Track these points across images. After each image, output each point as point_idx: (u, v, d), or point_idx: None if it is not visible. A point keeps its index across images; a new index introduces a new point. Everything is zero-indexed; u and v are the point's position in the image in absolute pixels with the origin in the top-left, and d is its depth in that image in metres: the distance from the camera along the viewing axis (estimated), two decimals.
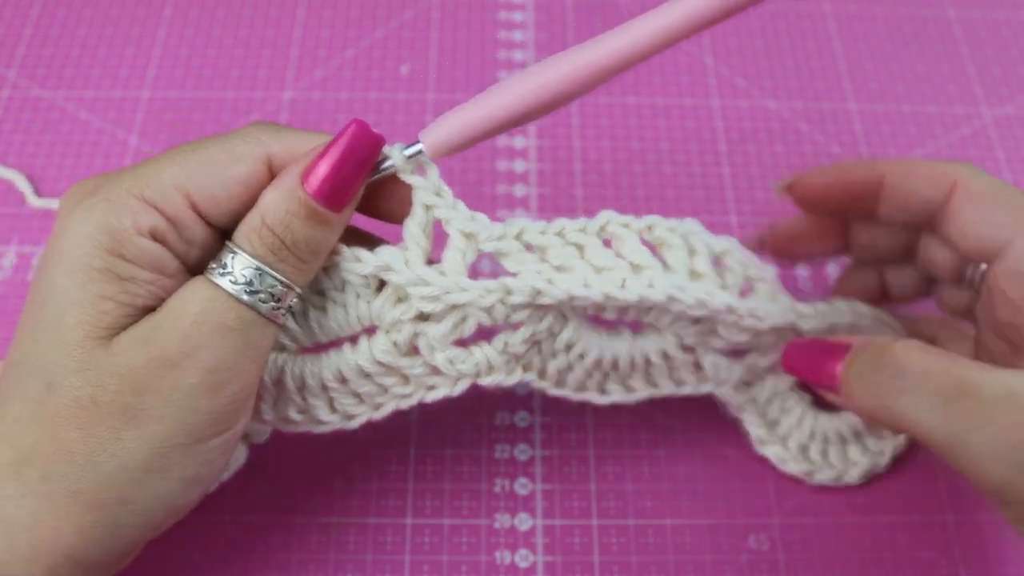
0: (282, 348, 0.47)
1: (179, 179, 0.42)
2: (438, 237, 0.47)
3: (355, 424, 0.49)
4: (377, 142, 0.44)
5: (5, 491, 0.39)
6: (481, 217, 0.46)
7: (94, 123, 0.71)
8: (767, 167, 0.71)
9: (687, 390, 0.54)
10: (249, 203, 0.43)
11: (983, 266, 0.48)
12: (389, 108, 0.72)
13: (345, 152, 0.42)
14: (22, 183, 0.67)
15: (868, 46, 0.78)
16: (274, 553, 0.54)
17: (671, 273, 0.48)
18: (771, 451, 0.56)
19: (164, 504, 0.42)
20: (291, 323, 0.46)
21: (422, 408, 0.56)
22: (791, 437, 0.56)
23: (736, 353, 0.54)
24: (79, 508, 0.40)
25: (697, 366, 0.53)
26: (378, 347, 0.46)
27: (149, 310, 0.41)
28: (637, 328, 0.52)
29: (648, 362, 0.52)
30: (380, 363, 0.47)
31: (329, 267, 0.46)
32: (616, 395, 0.53)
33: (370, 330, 0.47)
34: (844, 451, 0.57)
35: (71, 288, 0.40)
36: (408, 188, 0.45)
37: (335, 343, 0.48)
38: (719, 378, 0.54)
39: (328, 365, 0.47)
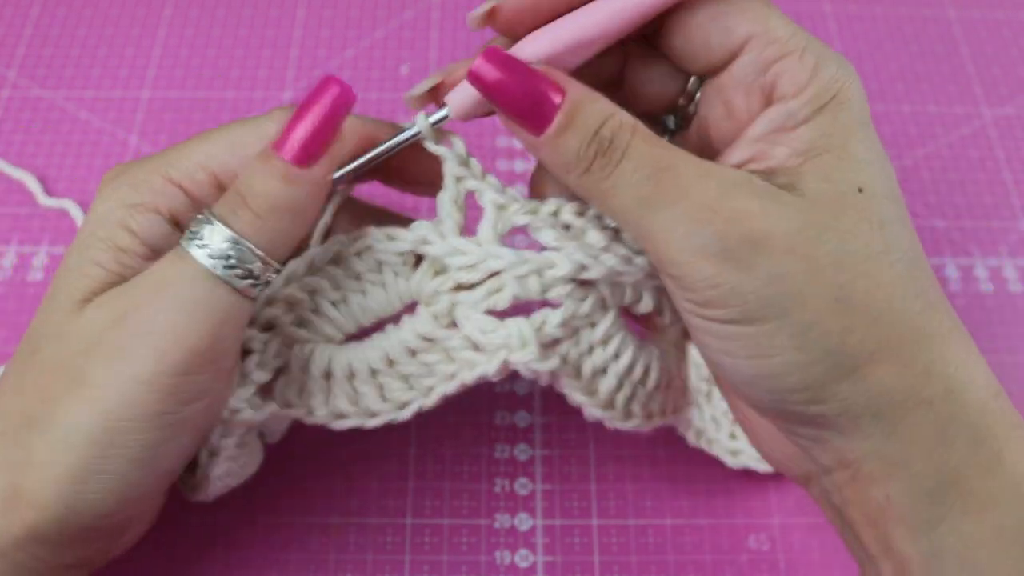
0: (328, 339, 0.47)
1: (205, 158, 0.43)
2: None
3: (407, 414, 0.47)
4: (341, 94, 0.42)
5: None
6: (513, 191, 0.46)
7: (94, 123, 0.71)
8: None
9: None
10: None
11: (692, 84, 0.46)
12: (389, 108, 0.72)
13: (305, 105, 0.42)
14: (33, 184, 0.67)
15: (868, 46, 0.78)
16: (274, 553, 0.54)
17: None
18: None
19: (109, 488, 0.41)
20: (333, 312, 0.46)
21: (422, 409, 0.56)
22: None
23: None
24: (37, 478, 0.40)
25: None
26: (419, 321, 0.46)
27: None
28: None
29: (670, 380, 0.51)
30: (423, 337, 0.46)
31: (362, 251, 0.46)
32: (637, 419, 0.50)
33: (411, 309, 0.47)
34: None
35: (72, 253, 0.41)
36: (437, 161, 0.45)
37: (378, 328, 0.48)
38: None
39: (374, 348, 0.47)
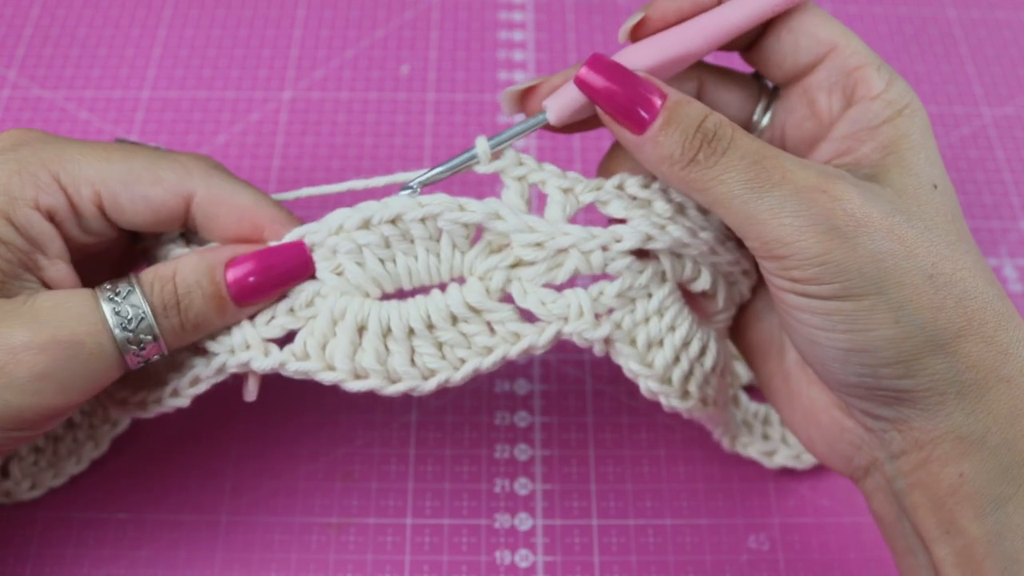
0: (364, 294, 0.47)
1: (96, 176, 0.44)
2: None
3: (431, 385, 0.47)
4: (308, 268, 0.46)
5: None
6: (575, 174, 0.47)
7: (94, 123, 0.71)
8: None
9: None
10: (151, 223, 0.46)
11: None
12: (389, 108, 0.72)
13: (275, 262, 0.45)
14: None
15: (869, 45, 0.77)
16: (274, 553, 0.54)
17: None
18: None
19: None
20: (378, 268, 0.46)
21: (422, 408, 0.56)
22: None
23: None
24: None
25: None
26: (470, 291, 0.46)
27: (9, 276, 0.42)
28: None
29: (726, 365, 0.51)
30: (469, 306, 0.47)
31: (426, 217, 0.46)
32: (693, 401, 0.50)
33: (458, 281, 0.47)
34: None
35: None
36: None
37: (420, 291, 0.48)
38: None
39: (417, 308, 0.47)
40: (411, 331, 0.46)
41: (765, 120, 0.49)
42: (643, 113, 0.42)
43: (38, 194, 0.43)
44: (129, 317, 0.42)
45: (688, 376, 0.49)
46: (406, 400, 0.58)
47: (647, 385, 0.48)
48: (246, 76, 0.74)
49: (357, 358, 0.46)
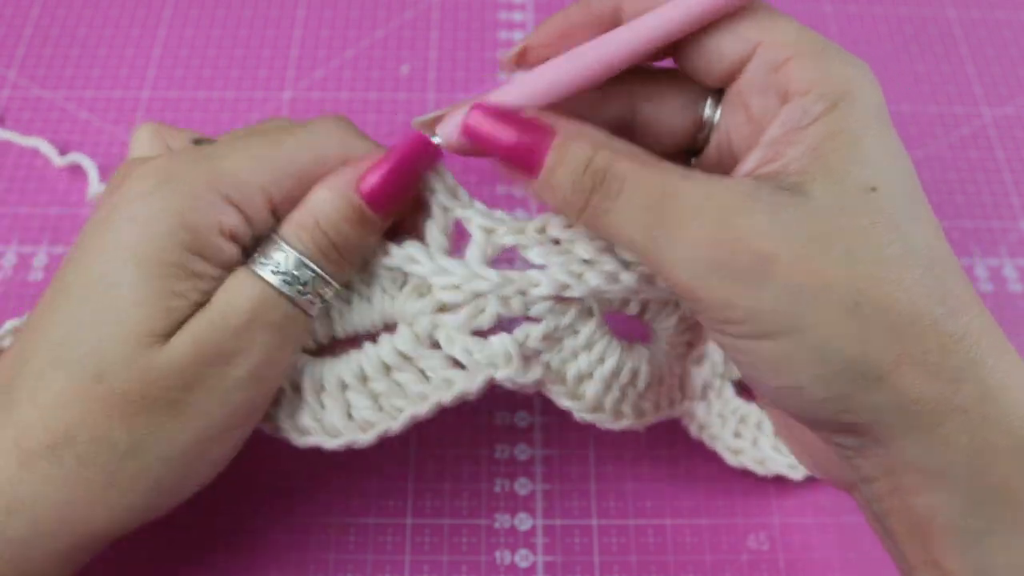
0: (302, 349, 0.47)
1: (263, 180, 0.42)
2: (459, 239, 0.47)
3: (369, 438, 0.47)
4: (432, 154, 0.44)
5: (40, 470, 0.39)
6: (501, 213, 0.46)
7: (94, 123, 0.71)
8: None
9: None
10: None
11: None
12: (389, 108, 0.72)
13: (402, 160, 0.43)
14: (46, 147, 0.68)
15: (868, 46, 0.78)
16: (274, 553, 0.54)
17: None
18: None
19: (192, 485, 0.44)
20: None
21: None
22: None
23: None
24: (115, 494, 0.41)
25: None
26: (399, 339, 0.46)
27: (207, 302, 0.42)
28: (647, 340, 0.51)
29: (661, 378, 0.51)
30: (401, 354, 0.46)
31: None
32: (628, 419, 0.50)
33: (388, 330, 0.47)
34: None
35: (140, 280, 0.40)
36: (425, 194, 0.46)
37: (352, 345, 0.48)
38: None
39: (347, 363, 0.47)
40: (343, 386, 0.47)
41: (717, 115, 0.45)
42: (533, 156, 0.40)
43: (220, 219, 0.41)
44: (296, 277, 0.42)
45: (621, 400, 0.49)
46: None
47: (580, 415, 0.48)
48: (246, 76, 0.73)
49: (296, 417, 0.47)
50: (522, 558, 0.54)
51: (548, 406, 0.57)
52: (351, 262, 0.44)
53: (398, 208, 0.44)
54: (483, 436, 0.58)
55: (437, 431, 0.58)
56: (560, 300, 0.46)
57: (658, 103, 0.46)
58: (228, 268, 0.42)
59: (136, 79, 0.73)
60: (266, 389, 0.44)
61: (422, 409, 0.47)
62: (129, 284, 0.40)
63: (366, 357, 0.47)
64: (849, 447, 0.39)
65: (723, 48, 0.41)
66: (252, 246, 0.43)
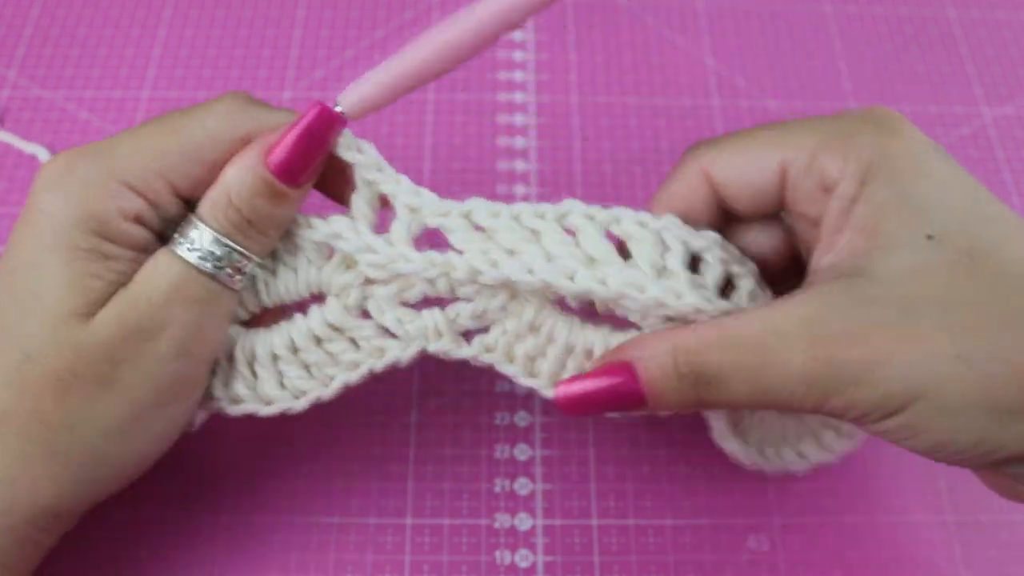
0: (233, 320, 0.47)
1: (161, 166, 0.43)
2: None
3: (302, 404, 0.48)
4: (336, 122, 0.45)
5: None
6: (427, 192, 0.47)
7: (94, 123, 0.70)
8: None
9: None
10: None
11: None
12: (389, 108, 0.70)
13: (305, 132, 0.43)
14: (44, 155, 0.68)
15: (868, 46, 0.77)
16: (274, 553, 0.54)
17: (633, 268, 0.45)
18: (730, 446, 0.51)
19: (136, 459, 0.45)
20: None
21: (422, 408, 0.56)
22: (751, 433, 0.51)
23: None
24: (56, 467, 0.42)
25: None
26: (329, 310, 0.47)
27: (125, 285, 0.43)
28: (620, 323, 0.50)
29: None
30: (331, 326, 0.47)
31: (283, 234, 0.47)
32: None
33: (318, 299, 0.48)
34: (799, 448, 0.54)
35: (56, 265, 0.42)
36: (350, 167, 0.47)
37: (284, 314, 0.48)
38: None
39: (279, 334, 0.47)
40: (275, 357, 0.47)
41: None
42: (632, 396, 0.42)
43: (120, 205, 0.42)
44: (213, 254, 0.43)
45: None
46: (406, 400, 0.58)
47: (543, 394, 0.48)
48: (246, 76, 0.73)
49: (230, 386, 0.48)
50: (522, 558, 0.54)
51: (548, 406, 0.57)
52: (267, 235, 0.45)
53: (308, 179, 0.45)
54: (483, 436, 0.58)
55: (437, 431, 0.58)
56: (486, 285, 0.46)
57: (740, 235, 0.48)
58: (144, 250, 0.43)
59: (136, 79, 0.73)
60: (195, 363, 0.45)
61: (354, 376, 0.48)
62: (47, 269, 0.41)
63: (295, 328, 0.47)
64: (1021, 474, 0.40)
65: (756, 181, 0.44)
66: (170, 228, 0.44)
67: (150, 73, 0.73)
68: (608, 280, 0.45)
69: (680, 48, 0.75)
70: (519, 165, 0.70)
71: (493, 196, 0.64)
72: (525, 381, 0.48)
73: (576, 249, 0.46)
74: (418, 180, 0.47)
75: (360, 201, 0.47)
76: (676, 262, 0.45)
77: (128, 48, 0.74)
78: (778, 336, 0.39)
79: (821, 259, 0.42)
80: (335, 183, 0.48)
